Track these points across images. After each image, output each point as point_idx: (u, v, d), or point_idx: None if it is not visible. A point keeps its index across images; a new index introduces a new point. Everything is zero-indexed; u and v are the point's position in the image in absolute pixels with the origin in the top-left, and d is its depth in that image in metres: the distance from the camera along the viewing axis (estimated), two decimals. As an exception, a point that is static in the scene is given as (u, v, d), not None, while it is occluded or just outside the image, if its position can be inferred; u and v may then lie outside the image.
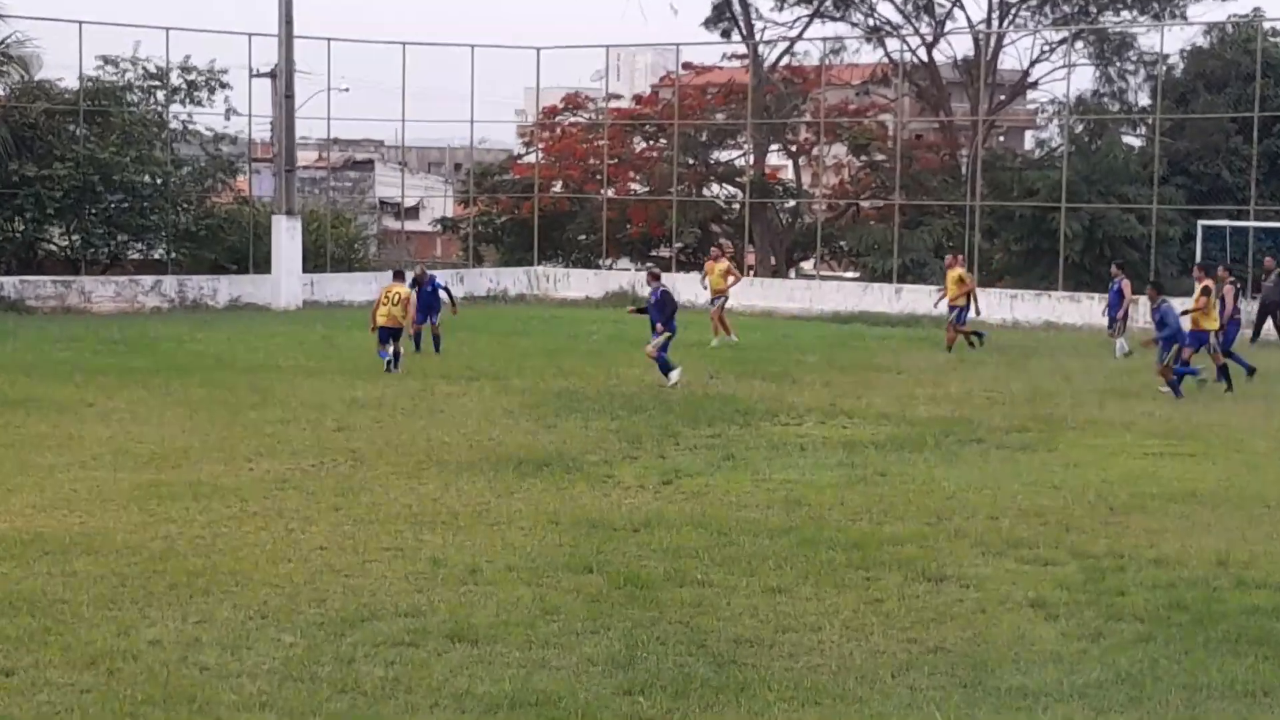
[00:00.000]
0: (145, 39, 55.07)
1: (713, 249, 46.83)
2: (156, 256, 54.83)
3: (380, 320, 31.71)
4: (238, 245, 54.24)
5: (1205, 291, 30.57)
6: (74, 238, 52.89)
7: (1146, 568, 15.26)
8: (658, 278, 31.53)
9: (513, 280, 58.89)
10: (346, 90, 62.92)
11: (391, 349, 31.37)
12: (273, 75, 54.18)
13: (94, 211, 51.94)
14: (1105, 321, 38.76)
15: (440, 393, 28.25)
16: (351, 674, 11.56)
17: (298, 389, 28.50)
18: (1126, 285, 36.89)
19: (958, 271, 37.95)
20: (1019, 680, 11.69)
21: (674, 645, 12.41)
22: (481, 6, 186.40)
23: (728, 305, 39.78)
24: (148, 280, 51.66)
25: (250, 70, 55.21)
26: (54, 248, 53.75)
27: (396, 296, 31.88)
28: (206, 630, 12.67)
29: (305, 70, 54.97)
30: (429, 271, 37.28)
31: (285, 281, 51.68)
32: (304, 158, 64.38)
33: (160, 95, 54.15)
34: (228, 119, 55.46)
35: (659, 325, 29.65)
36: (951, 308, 37.67)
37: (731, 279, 39.64)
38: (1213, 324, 30.22)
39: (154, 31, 53.70)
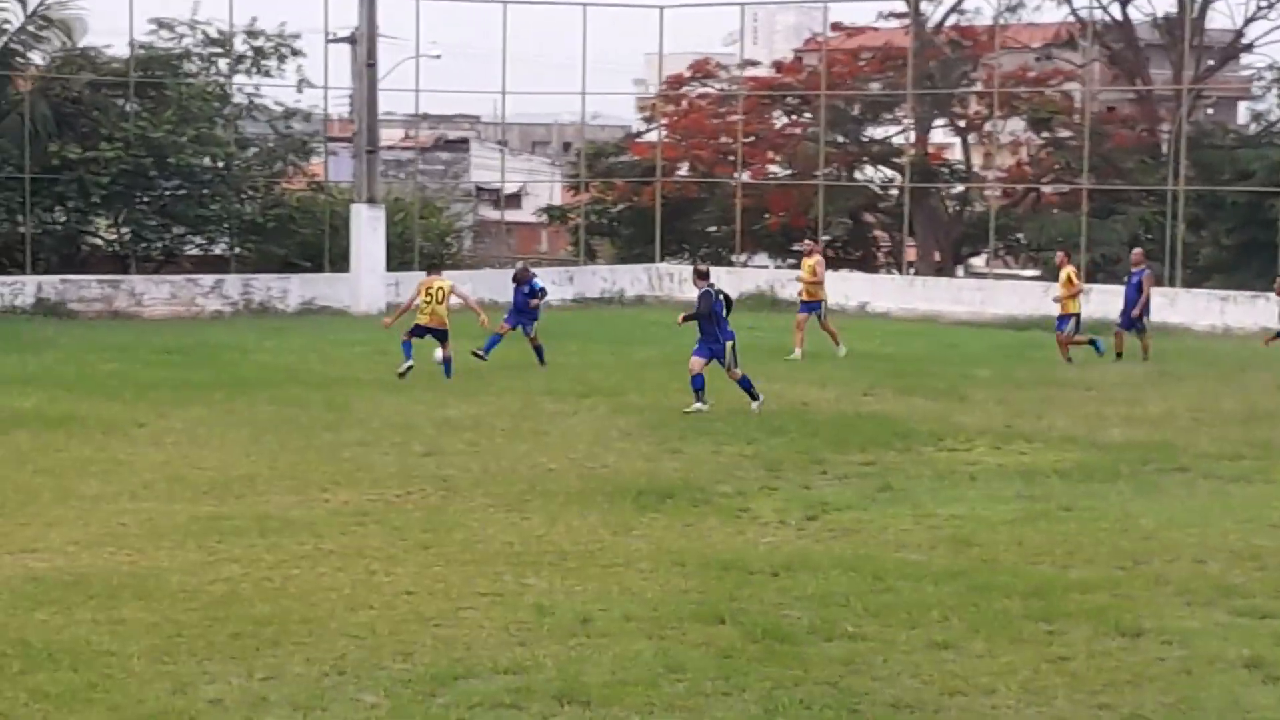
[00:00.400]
0: (206, 1, 55.51)
1: (806, 242, 45.70)
2: (218, 252, 55.25)
3: (423, 320, 32.05)
4: (311, 239, 54.58)
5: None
6: (123, 230, 53.45)
7: (1383, 621, 15.07)
8: (705, 276, 30.24)
9: (631, 279, 58.82)
10: (438, 57, 63.44)
11: (440, 354, 31.67)
12: (352, 40, 54.51)
13: (146, 200, 52.45)
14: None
15: (546, 411, 28.31)
16: (443, 740, 11.62)
17: (380, 407, 28.66)
18: (1149, 277, 36.89)
19: (1067, 271, 37.41)
20: (1231, 754, 11.58)
21: (821, 711, 12.35)
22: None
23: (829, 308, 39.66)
24: (207, 280, 51.94)
25: (326, 35, 55.58)
26: (100, 242, 54.35)
27: (440, 293, 32.12)
28: (275, 688, 12.73)
29: (390, 35, 55.37)
30: (530, 270, 37.06)
31: (366, 281, 51.85)
32: (388, 137, 64.74)
33: (222, 64, 54.60)
34: (300, 92, 55.84)
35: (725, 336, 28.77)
36: (1064, 316, 37.15)
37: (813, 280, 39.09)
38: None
39: (216, -9, 54.13)
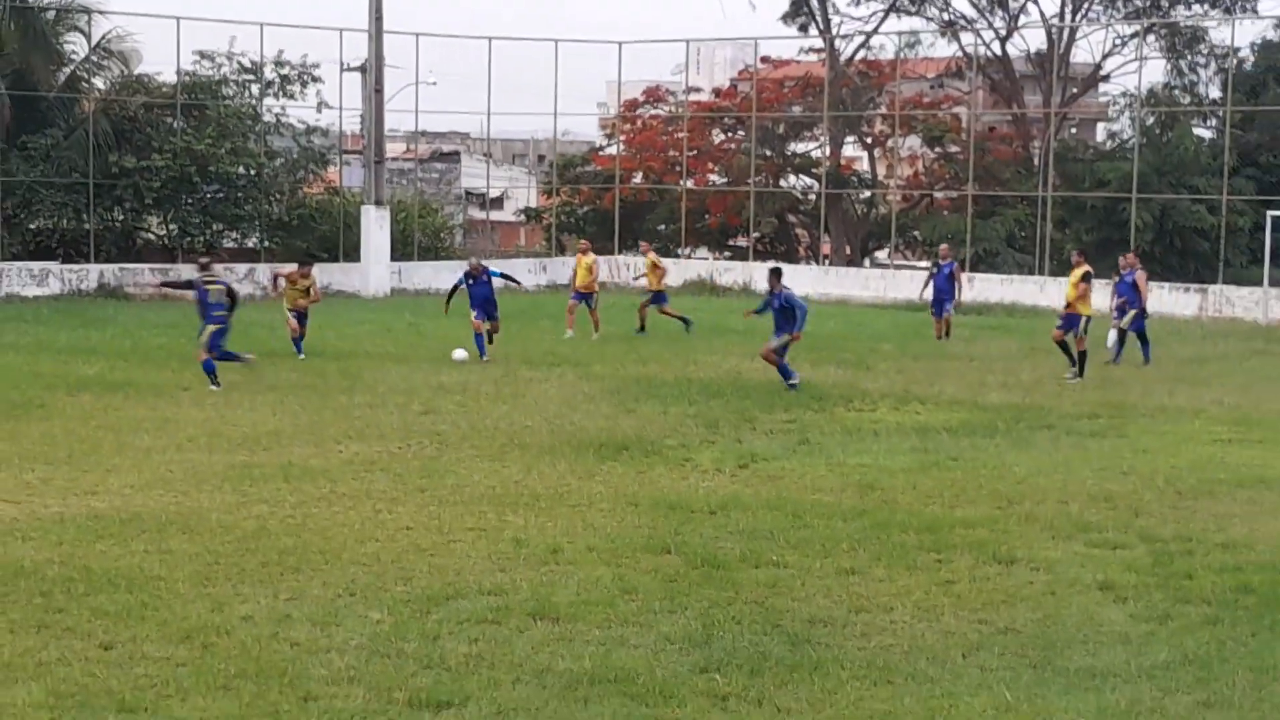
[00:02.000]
0: (240, 34, 55.25)
1: (641, 243, 44.60)
2: (250, 245, 55.16)
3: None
4: (328, 234, 54.54)
5: (1085, 277, 30.12)
6: (171, 227, 53.33)
7: (1214, 551, 15.16)
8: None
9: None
10: (434, 84, 63.28)
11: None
12: (363, 70, 54.41)
13: (190, 201, 52.35)
14: (1122, 314, 33.26)
15: (522, 378, 28.33)
16: (437, 650, 11.61)
17: (385, 374, 28.66)
18: (1142, 276, 34.79)
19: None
20: (1088, 661, 11.63)
21: (749, 624, 12.41)
22: (565, 2, 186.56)
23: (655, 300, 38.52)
24: (241, 268, 51.82)
25: (341, 65, 55.59)
26: (152, 236, 54.21)
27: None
28: (297, 607, 12.75)
29: (394, 65, 55.24)
30: (483, 263, 34.18)
31: (374, 270, 52.00)
32: (393, 149, 64.56)
33: (254, 89, 54.46)
34: (319, 112, 55.78)
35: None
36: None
37: (659, 271, 38.63)
38: (1088, 309, 30.02)
39: (249, 27, 54.13)
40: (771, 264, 29.74)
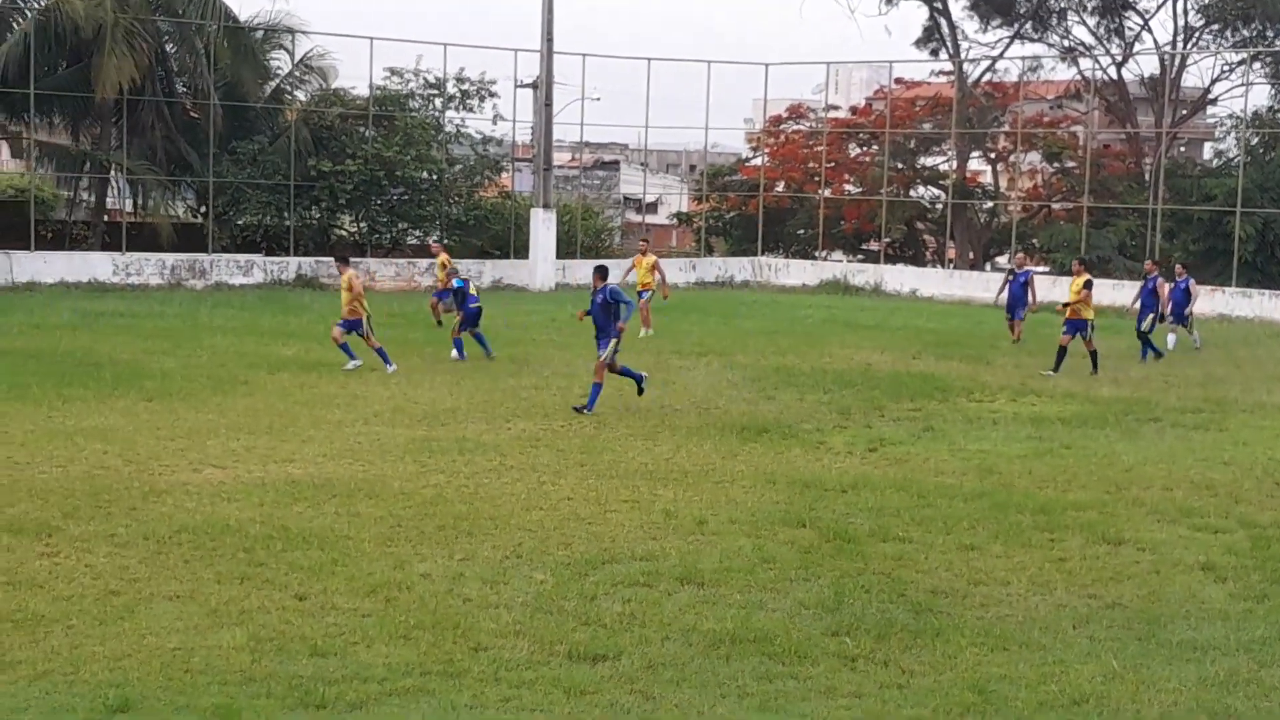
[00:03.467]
0: (426, 54, 55.92)
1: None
2: (431, 241, 55.64)
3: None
4: (500, 233, 54.89)
5: (1087, 285, 29.53)
6: (361, 225, 53.89)
7: (1308, 538, 14.87)
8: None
9: (738, 268, 59.00)
10: (598, 99, 63.26)
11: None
12: (535, 86, 54.69)
13: (379, 202, 52.87)
14: (1181, 318, 34.41)
15: (673, 366, 28.32)
16: (593, 609, 11.66)
17: (550, 360, 28.78)
18: (1193, 282, 35.09)
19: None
20: (1189, 634, 11.46)
21: (877, 593, 12.34)
22: (718, 27, 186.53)
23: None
24: (423, 263, 52.33)
25: (515, 81, 55.83)
26: (344, 233, 54.80)
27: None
28: (469, 566, 12.85)
29: (563, 82, 55.40)
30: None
31: (541, 266, 52.30)
32: (559, 158, 64.79)
33: (438, 102, 54.88)
34: (494, 124, 56.05)
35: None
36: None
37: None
38: (1090, 313, 29.58)
39: (434, 47, 54.70)
40: (596, 263, 26.32)
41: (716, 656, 10.63)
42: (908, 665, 10.57)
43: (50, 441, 18.28)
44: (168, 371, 25.41)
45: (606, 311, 22.78)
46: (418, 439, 19.31)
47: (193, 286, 47.14)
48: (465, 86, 54.74)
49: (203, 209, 51.41)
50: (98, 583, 11.94)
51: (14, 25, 49.19)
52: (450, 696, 9.60)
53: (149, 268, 47.69)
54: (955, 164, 63.21)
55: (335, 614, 11.32)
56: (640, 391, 23.14)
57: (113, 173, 51.43)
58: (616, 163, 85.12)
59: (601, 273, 23.48)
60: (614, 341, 22.62)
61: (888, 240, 61.89)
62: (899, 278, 55.41)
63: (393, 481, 16.45)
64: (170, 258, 48.35)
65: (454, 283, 30.61)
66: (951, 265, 61.69)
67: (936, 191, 65.42)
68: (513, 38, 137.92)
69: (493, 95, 55.28)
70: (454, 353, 28.94)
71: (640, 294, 35.44)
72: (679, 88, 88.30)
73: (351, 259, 31.25)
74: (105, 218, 51.74)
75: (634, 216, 73.24)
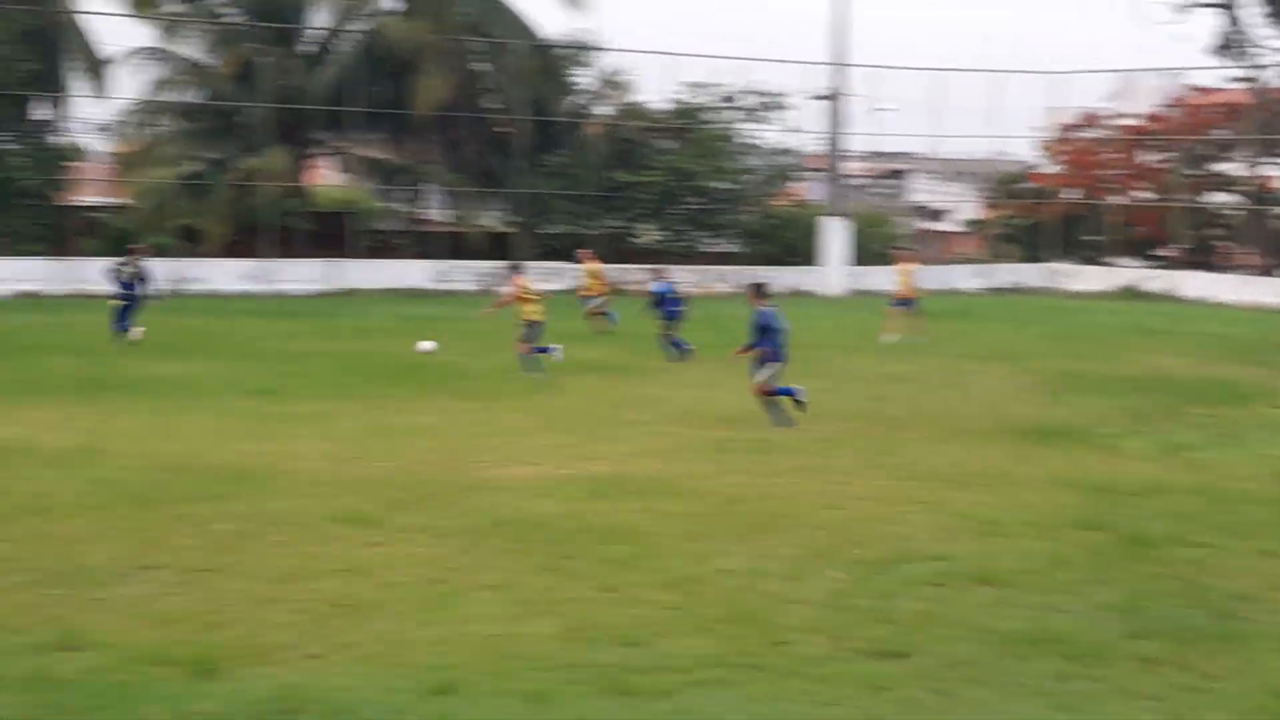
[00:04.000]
0: (724, 69, 56.12)
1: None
2: (727, 249, 55.88)
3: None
4: (793, 241, 54.90)
5: None
6: (660, 233, 54.39)
7: None
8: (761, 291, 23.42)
9: (1029, 274, 58.11)
10: (890, 110, 62.84)
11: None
12: (827, 98, 54.53)
13: (676, 212, 53.30)
14: None
15: (964, 370, 27.97)
16: (890, 607, 11.55)
17: (842, 364, 28.63)
18: None
19: None
20: None
21: (1175, 597, 11.97)
22: (1007, 38, 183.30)
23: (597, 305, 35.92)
24: (719, 269, 52.72)
25: (808, 95, 55.74)
26: (642, 241, 55.39)
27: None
28: (768, 563, 12.84)
29: (854, 94, 55.16)
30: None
31: (834, 272, 52.21)
32: (851, 167, 64.52)
33: (732, 115, 55.11)
34: (788, 135, 56.19)
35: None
36: None
37: (595, 281, 35.88)
38: None
39: (731, 62, 54.80)
40: (753, 281, 23.35)
41: (1013, 656, 10.44)
42: (1208, 670, 10.24)
43: (374, 438, 18.84)
44: (480, 373, 25.97)
45: (764, 334, 20.92)
46: (717, 439, 19.36)
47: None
48: (759, 100, 54.86)
49: (513, 219, 52.43)
50: (420, 571, 12.24)
51: (338, 49, 50.86)
52: (751, 688, 9.61)
53: (462, 275, 48.85)
54: (1250, 170, 61.12)
55: (640, 606, 11.42)
56: (798, 404, 21.16)
57: (429, 185, 52.86)
58: (907, 171, 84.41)
59: (757, 290, 21.51)
60: (773, 365, 20.94)
61: (1181, 247, 60.17)
62: (1193, 283, 53.83)
63: (694, 480, 16.49)
64: (483, 265, 49.41)
65: (652, 288, 31.25)
66: (1249, 271, 59.71)
67: (1230, 198, 63.41)
68: (808, 52, 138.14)
69: (786, 108, 55.39)
70: (674, 351, 29.36)
71: (904, 303, 35.13)
72: (969, 98, 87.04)
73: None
74: (422, 228, 53.15)
75: (924, 223, 72.52)
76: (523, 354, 26.29)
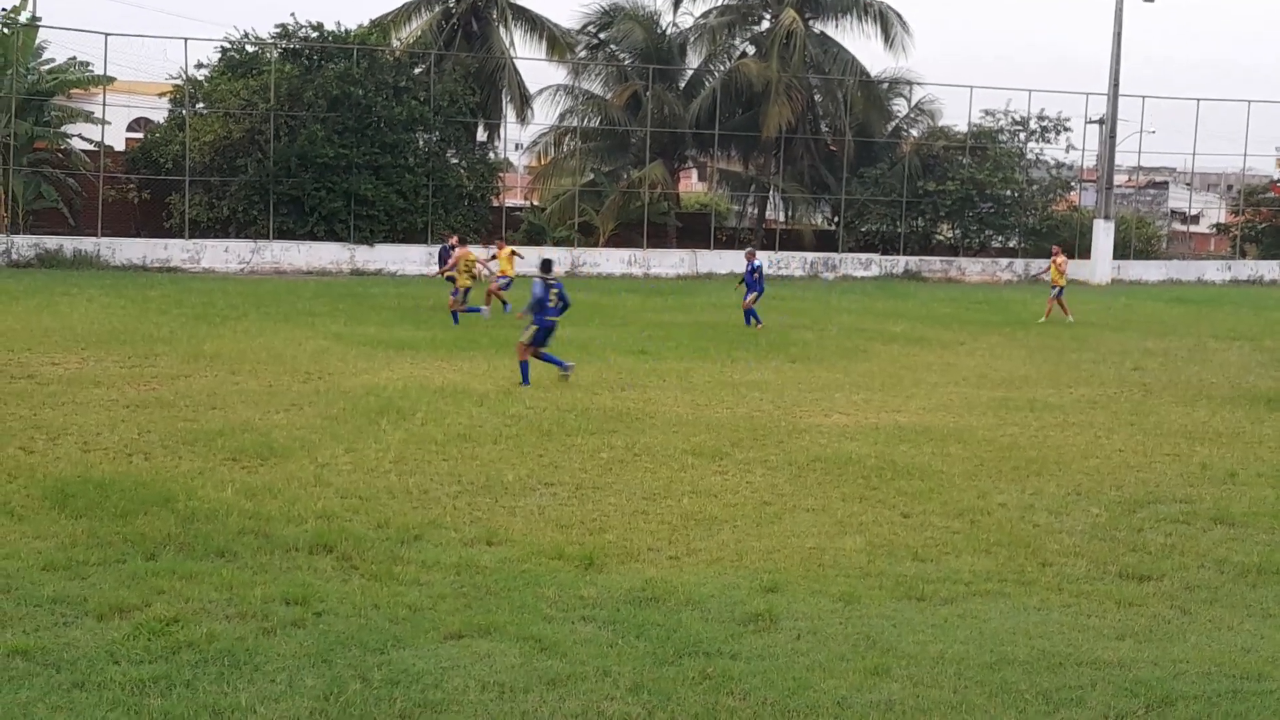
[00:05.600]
0: (1014, 97, 54.74)
1: (497, 241, 33.05)
2: (1010, 245, 54.47)
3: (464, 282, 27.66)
4: (1068, 239, 53.03)
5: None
6: (955, 232, 53.30)
7: None
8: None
9: (1268, 269, 55.13)
10: (1153, 133, 60.06)
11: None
12: (1101, 122, 52.55)
13: (971, 214, 52.12)
14: None
15: (1209, 347, 26.61)
16: (1140, 539, 11.08)
17: (1105, 340, 27.56)
18: None
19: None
20: None
21: (1390, 543, 11.15)
22: (1260, 67, 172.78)
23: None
24: (1004, 261, 51.48)
25: (1085, 118, 53.89)
26: (942, 238, 54.39)
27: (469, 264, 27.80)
28: (1037, 499, 12.47)
29: (1124, 118, 53.00)
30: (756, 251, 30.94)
31: (1100, 265, 50.45)
32: (1118, 179, 61.93)
33: (1021, 136, 53.58)
34: (1066, 152, 54.46)
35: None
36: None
37: (481, 268, 28.81)
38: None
39: (1020, 93, 53.16)
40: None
41: (1244, 583, 9.89)
42: None
43: (721, 390, 18.96)
44: (806, 341, 25.87)
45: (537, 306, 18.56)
46: (997, 399, 18.88)
47: (825, 278, 47.86)
48: (1044, 123, 53.30)
49: (836, 219, 52.10)
50: (754, 495, 12.29)
51: (705, 84, 51.29)
52: (1022, 600, 9.35)
53: (794, 263, 48.78)
54: None
55: (931, 530, 11.23)
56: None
57: (771, 192, 52.88)
58: (1166, 183, 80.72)
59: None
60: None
61: None
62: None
63: (976, 430, 16.13)
64: (810, 255, 49.35)
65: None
66: None
67: None
68: (1085, 83, 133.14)
69: (1066, 129, 53.78)
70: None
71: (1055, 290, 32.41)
72: (1221, 121, 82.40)
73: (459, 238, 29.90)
74: (764, 226, 53.23)
75: (1179, 226, 69.20)
76: None
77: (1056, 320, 31.58)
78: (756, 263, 28.69)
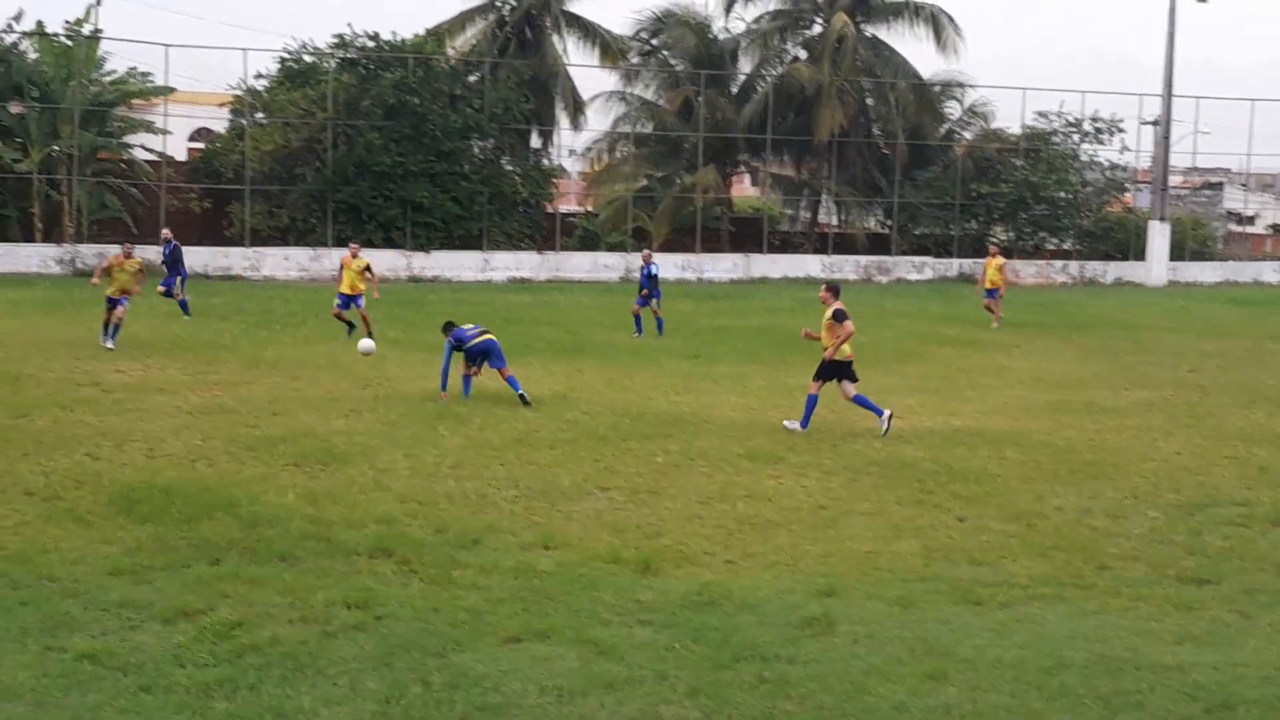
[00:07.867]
0: (1067, 99, 54.16)
1: (348, 245, 27.26)
2: (1065, 247, 53.95)
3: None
4: (1122, 241, 52.56)
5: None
6: (1009, 234, 52.87)
7: None
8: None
9: (1328, 269, 54.44)
10: (1208, 133, 59.33)
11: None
12: (1155, 123, 51.97)
13: (1024, 216, 51.68)
14: None
15: (1266, 349, 26.35)
16: (1198, 542, 10.97)
17: (1161, 342, 27.27)
18: None
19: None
20: None
21: None
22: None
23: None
24: (1059, 263, 51.05)
25: (1139, 120, 53.25)
26: (996, 241, 53.99)
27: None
28: (1094, 502, 12.36)
29: (1178, 119, 52.34)
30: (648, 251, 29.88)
31: (1155, 267, 49.92)
32: (1173, 180, 61.24)
33: (1075, 138, 53.04)
34: (1121, 154, 53.74)
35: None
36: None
37: (370, 275, 24.35)
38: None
39: (1073, 94, 52.76)
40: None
41: (1305, 589, 9.78)
42: None
43: (775, 394, 18.92)
44: (860, 345, 25.70)
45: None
46: (1053, 401, 18.72)
47: (879, 281, 47.64)
48: (1097, 125, 52.74)
49: (889, 222, 51.86)
50: (810, 500, 12.25)
51: (757, 88, 51.20)
52: (1079, 604, 9.27)
53: (848, 266, 48.57)
54: None
55: (988, 534, 11.15)
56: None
57: (823, 195, 52.71)
58: (1221, 184, 79.72)
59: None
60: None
61: None
62: None
63: (1033, 433, 16.00)
64: (864, 259, 49.14)
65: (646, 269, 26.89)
66: None
67: None
68: (1139, 84, 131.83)
69: (1120, 131, 53.10)
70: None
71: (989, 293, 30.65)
72: (1275, 122, 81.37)
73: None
74: (816, 229, 53.06)
75: (1235, 227, 68.35)
76: None
77: (1008, 323, 30.17)
78: (652, 266, 26.84)
